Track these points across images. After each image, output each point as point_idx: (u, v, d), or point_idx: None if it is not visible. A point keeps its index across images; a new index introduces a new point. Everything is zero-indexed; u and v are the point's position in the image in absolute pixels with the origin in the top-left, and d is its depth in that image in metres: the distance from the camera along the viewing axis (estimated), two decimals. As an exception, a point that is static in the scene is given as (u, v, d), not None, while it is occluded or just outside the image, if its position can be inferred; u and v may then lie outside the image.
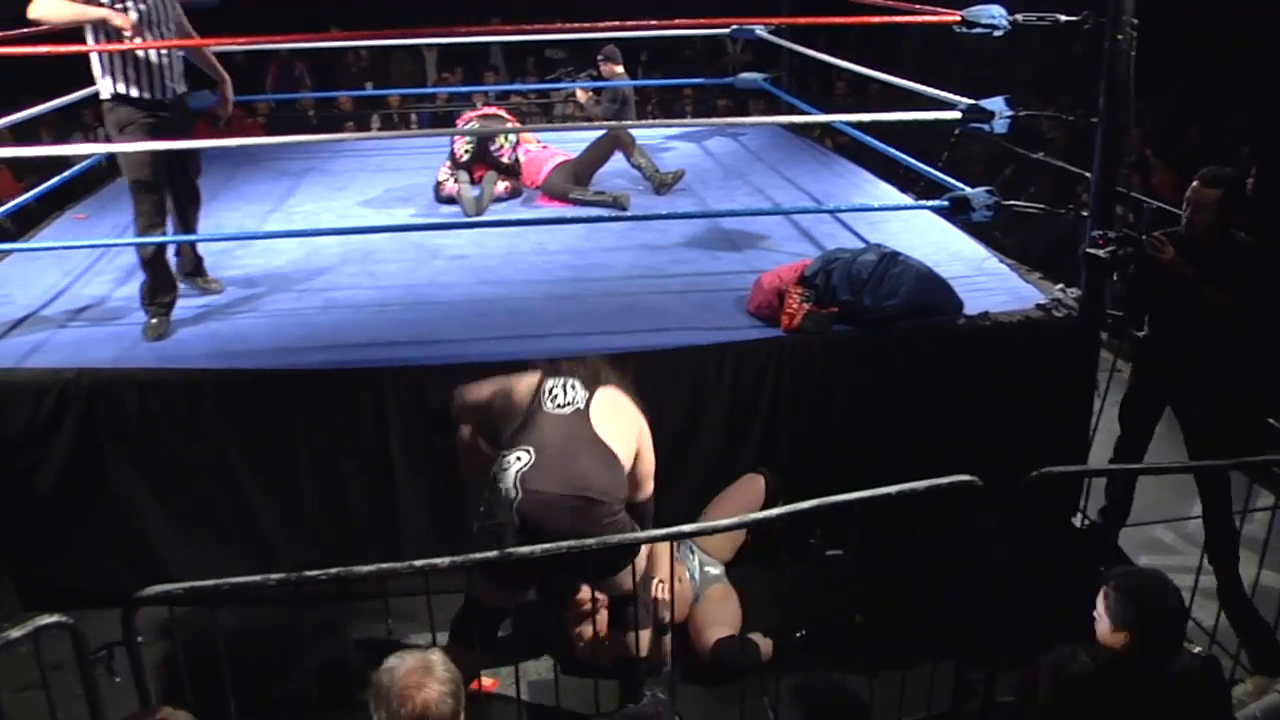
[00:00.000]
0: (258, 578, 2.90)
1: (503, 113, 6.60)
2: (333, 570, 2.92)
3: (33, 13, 4.19)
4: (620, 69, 6.90)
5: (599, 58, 6.95)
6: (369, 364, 4.04)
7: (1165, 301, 4.15)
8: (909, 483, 3.05)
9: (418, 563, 2.88)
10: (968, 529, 3.11)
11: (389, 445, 4.03)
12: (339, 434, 4.04)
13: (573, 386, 3.29)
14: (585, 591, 3.56)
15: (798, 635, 3.74)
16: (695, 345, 4.17)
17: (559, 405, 3.24)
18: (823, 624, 3.74)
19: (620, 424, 3.29)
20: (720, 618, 3.72)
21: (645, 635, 3.36)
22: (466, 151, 6.16)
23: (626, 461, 3.26)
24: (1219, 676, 2.75)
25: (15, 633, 2.61)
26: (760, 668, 3.52)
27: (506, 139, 6.22)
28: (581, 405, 3.25)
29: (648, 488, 3.42)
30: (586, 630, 3.57)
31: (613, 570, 3.20)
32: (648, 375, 4.05)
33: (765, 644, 3.63)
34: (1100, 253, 4.13)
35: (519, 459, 3.13)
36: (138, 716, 1.94)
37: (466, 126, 6.42)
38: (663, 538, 3.12)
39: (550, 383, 3.30)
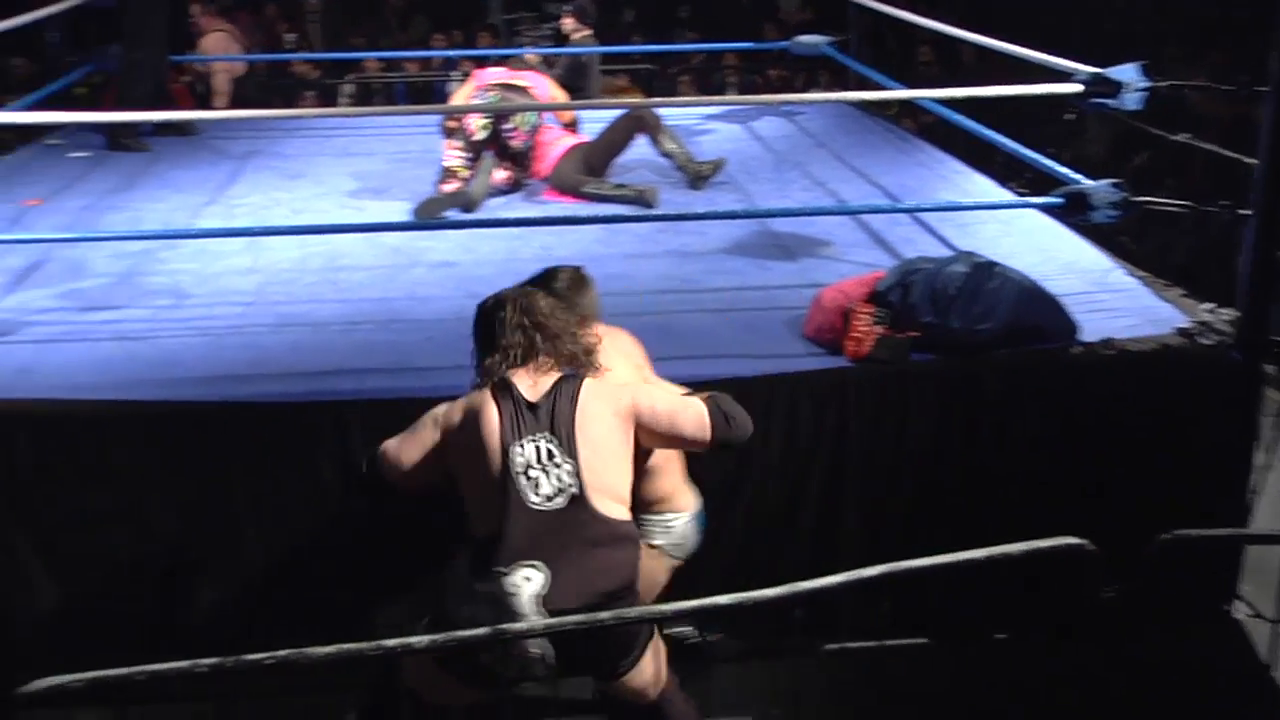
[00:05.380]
0: (184, 664, 2.92)
1: (526, 79, 6.50)
2: (281, 653, 2.95)
3: None
4: (589, 32, 6.95)
5: (566, 8, 7.00)
6: (332, 396, 4.08)
7: None
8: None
9: (388, 642, 2.90)
10: (1079, 609, 3.12)
11: (355, 497, 4.06)
12: (293, 483, 4.07)
13: (549, 454, 3.15)
14: None
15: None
16: (739, 377, 4.15)
17: (546, 497, 3.13)
18: None
19: (611, 441, 3.23)
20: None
21: None
22: (484, 128, 6.16)
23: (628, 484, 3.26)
24: None
25: None
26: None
27: (524, 119, 6.24)
28: (574, 486, 3.14)
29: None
30: None
31: (626, 654, 3.22)
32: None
33: None
34: None
35: (527, 579, 3.08)
36: None
37: (483, 98, 6.36)
38: (692, 610, 3.13)
39: (517, 455, 3.14)
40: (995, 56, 5.49)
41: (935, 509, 4.22)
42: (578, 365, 3.28)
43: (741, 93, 10.84)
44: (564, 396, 3.19)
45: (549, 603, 3.07)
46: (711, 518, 4.16)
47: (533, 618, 3.06)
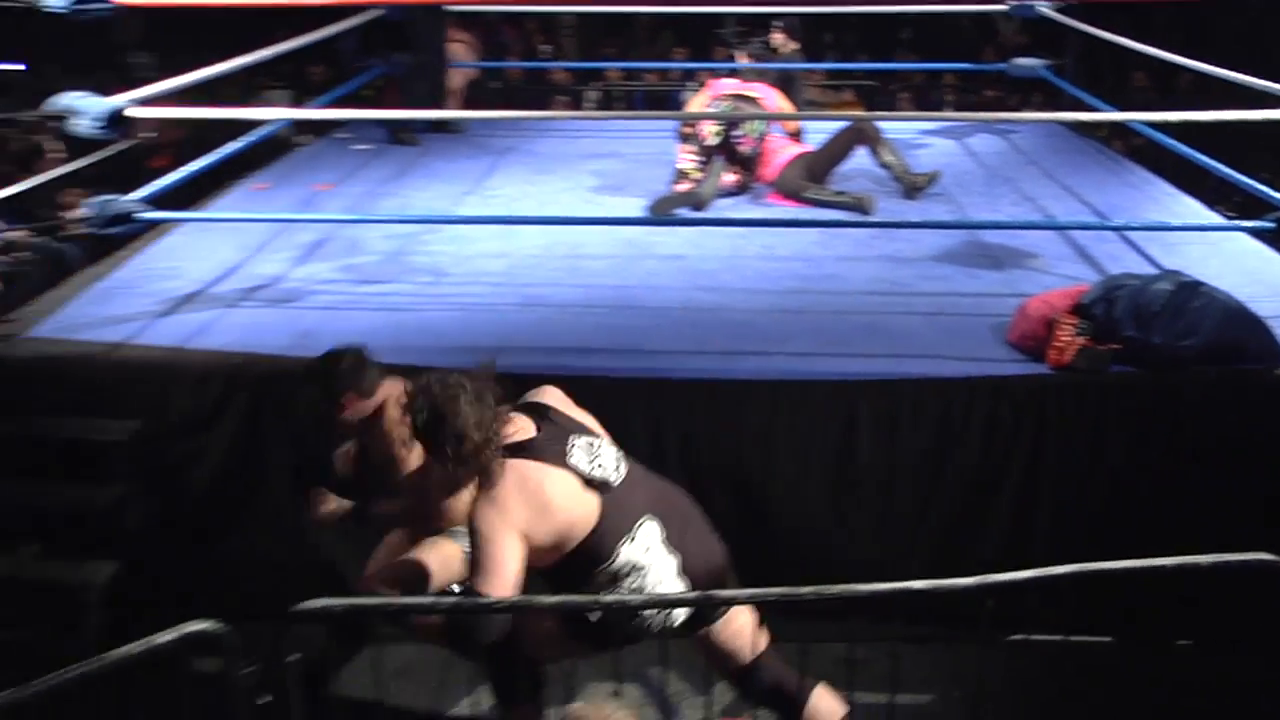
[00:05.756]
0: (427, 599, 3.01)
1: (756, 90, 6.50)
2: (511, 600, 3.00)
3: None
4: (798, 46, 6.88)
5: (777, 24, 6.91)
6: (568, 371, 4.08)
7: None
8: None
9: (608, 599, 2.93)
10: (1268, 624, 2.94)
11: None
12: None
13: (589, 445, 3.13)
14: None
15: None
16: (943, 377, 4.10)
17: (615, 470, 3.13)
18: None
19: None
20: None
21: None
22: (716, 134, 6.15)
23: None
24: None
25: (163, 637, 2.76)
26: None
27: (753, 126, 6.20)
28: (618, 453, 3.18)
29: None
30: None
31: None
32: (884, 408, 4.05)
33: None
34: None
35: (650, 532, 3.09)
36: None
37: (717, 107, 6.35)
38: (890, 593, 3.04)
39: (577, 463, 3.08)
40: (1212, 82, 5.21)
41: (1127, 516, 4.06)
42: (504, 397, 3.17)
43: (958, 110, 10.58)
44: (543, 417, 3.14)
45: (671, 541, 3.09)
46: (910, 509, 4.10)
47: (671, 559, 3.08)
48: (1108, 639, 3.88)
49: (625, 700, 2.72)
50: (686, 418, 4.06)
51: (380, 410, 3.57)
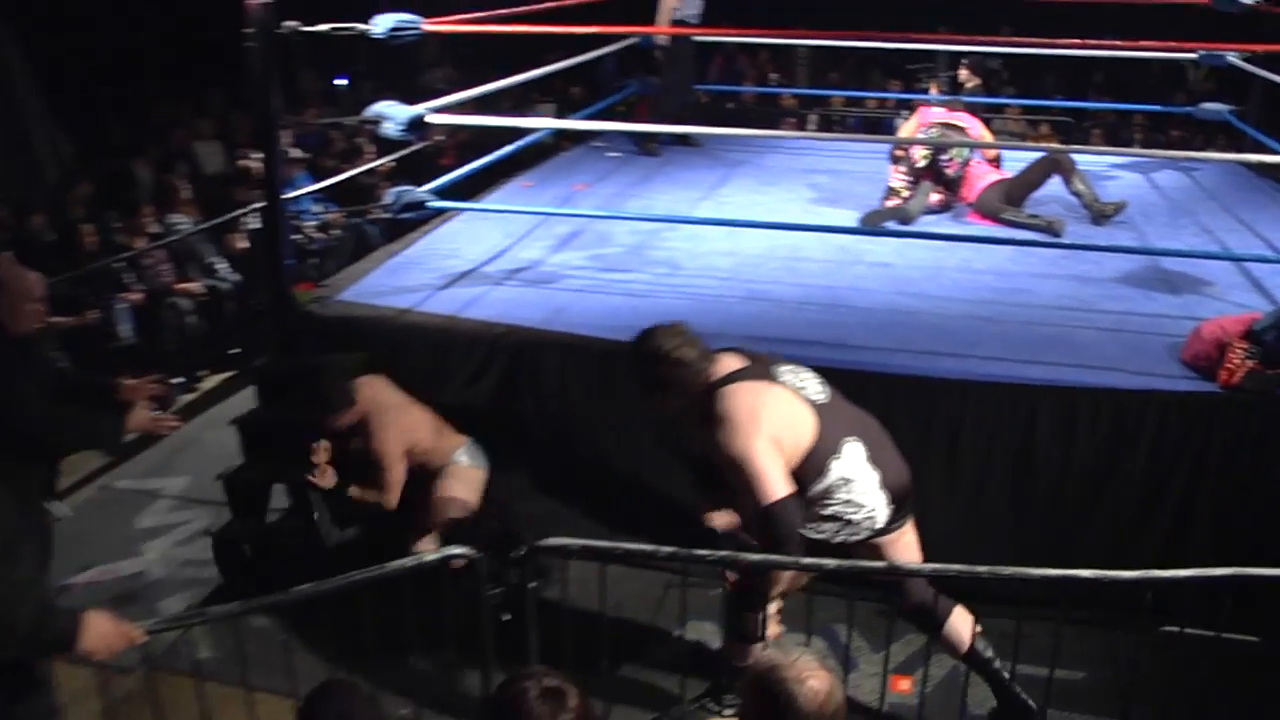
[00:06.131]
0: (649, 547, 3.05)
1: (962, 119, 6.35)
2: (720, 553, 3.03)
3: None
4: (979, 82, 6.65)
5: (964, 61, 6.70)
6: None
7: None
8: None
9: (805, 560, 2.92)
10: None
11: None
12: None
13: (792, 370, 3.19)
14: None
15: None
16: (1118, 388, 3.94)
17: (818, 393, 3.16)
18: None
19: None
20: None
21: None
22: (925, 158, 6.06)
23: None
24: None
25: (429, 557, 2.99)
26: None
27: (959, 152, 6.07)
28: (818, 377, 3.21)
29: None
30: None
31: None
32: (1063, 412, 3.92)
33: None
34: None
35: (853, 451, 3.09)
36: (516, 678, 2.03)
37: (926, 133, 6.22)
38: (1058, 579, 2.93)
39: (787, 381, 3.12)
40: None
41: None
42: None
43: (1146, 148, 10.07)
44: (745, 353, 3.20)
45: (873, 459, 3.10)
46: (1080, 505, 3.94)
47: (874, 474, 3.08)
48: (1255, 638, 3.65)
49: (811, 651, 2.71)
50: (886, 408, 3.98)
51: (361, 413, 3.92)
